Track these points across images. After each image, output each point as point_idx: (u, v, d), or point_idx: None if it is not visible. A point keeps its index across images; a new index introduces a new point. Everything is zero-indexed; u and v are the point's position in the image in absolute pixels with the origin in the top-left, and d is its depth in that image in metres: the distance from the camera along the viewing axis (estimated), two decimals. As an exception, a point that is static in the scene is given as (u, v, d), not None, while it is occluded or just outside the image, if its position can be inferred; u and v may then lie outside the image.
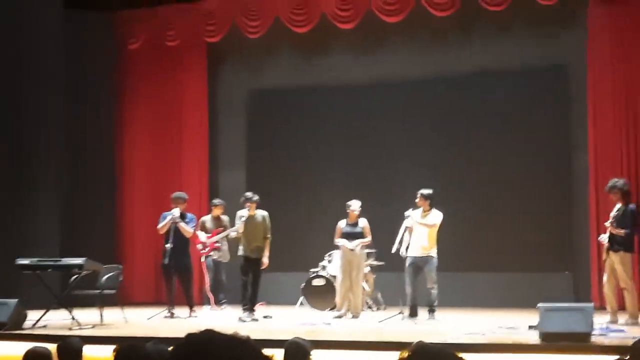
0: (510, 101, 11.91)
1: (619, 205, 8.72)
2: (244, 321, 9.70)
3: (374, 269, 11.19)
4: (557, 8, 11.71)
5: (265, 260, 9.96)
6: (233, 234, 10.26)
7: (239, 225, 10.03)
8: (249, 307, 9.91)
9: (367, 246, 10.60)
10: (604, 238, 8.77)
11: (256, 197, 10.08)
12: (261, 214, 10.11)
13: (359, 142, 12.53)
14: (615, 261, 8.58)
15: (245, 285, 10.04)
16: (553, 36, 11.74)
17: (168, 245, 10.24)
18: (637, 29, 10.91)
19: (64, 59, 12.64)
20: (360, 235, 10.10)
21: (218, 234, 11.57)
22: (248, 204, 10.01)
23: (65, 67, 12.66)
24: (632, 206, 8.70)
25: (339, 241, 10.18)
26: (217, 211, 11.75)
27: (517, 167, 11.77)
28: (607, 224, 8.53)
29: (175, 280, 10.38)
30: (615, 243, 8.56)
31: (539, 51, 11.77)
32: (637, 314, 8.55)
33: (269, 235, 10.04)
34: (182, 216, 10.56)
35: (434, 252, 9.53)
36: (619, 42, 10.97)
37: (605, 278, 8.80)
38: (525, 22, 11.96)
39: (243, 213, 10.04)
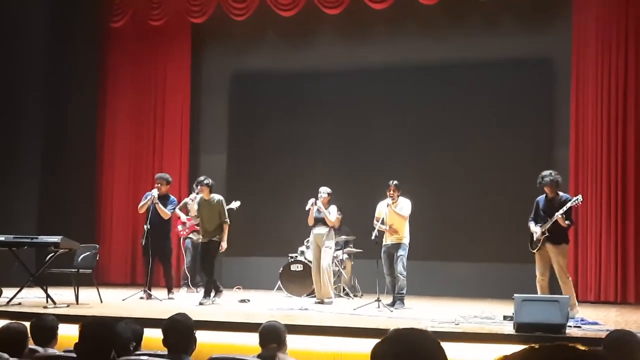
0: (493, 93, 11.93)
1: (549, 196, 8.53)
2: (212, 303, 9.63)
3: (352, 256, 11.22)
4: (543, 1, 11.74)
5: (224, 244, 9.62)
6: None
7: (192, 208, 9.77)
8: (215, 290, 9.76)
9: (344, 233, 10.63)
10: (540, 230, 8.39)
11: (208, 181, 9.76)
12: (216, 198, 9.79)
13: (342, 127, 12.51)
14: (555, 253, 8.44)
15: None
16: (539, 29, 11.76)
17: (146, 226, 10.18)
18: (622, 23, 10.94)
19: (47, 36, 12.50)
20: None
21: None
22: (200, 187, 9.78)
23: (48, 44, 12.52)
24: (568, 197, 8.57)
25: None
26: None
27: (498, 158, 11.81)
28: (559, 214, 8.32)
29: (153, 262, 10.32)
30: (557, 235, 8.41)
31: (525, 43, 11.78)
32: (575, 302, 8.57)
33: (226, 220, 9.65)
34: (165, 197, 10.47)
35: (405, 240, 9.53)
36: (604, 36, 10.99)
37: (540, 271, 8.51)
38: (511, 15, 11.97)
39: (192, 197, 9.91)
